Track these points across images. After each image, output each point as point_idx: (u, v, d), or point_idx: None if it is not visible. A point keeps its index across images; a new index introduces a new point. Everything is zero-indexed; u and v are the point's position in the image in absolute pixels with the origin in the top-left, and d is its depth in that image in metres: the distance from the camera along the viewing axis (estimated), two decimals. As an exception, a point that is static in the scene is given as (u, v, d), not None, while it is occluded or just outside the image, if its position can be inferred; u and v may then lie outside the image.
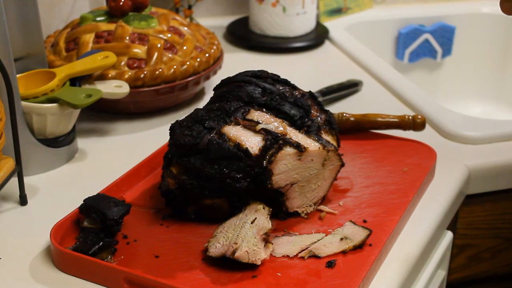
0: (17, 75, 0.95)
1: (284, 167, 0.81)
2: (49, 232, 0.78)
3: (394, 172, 0.94)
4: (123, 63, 1.09)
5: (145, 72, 1.09)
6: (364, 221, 0.83)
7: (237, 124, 0.82)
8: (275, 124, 0.83)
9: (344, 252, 0.77)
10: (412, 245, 0.83)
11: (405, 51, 1.70)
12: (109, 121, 1.13)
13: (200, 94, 1.24)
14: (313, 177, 0.84)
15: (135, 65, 1.10)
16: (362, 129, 1.04)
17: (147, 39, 1.12)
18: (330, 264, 0.76)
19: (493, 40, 1.73)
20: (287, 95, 0.87)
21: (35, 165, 0.96)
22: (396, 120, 1.03)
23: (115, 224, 0.79)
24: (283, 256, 0.77)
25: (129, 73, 1.08)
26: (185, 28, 1.19)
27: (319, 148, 0.83)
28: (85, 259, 0.75)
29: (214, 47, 1.19)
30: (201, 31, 1.25)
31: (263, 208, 0.79)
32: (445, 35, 1.72)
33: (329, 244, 0.78)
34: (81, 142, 1.06)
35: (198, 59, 1.14)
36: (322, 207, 0.87)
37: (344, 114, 1.04)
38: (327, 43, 1.53)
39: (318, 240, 0.79)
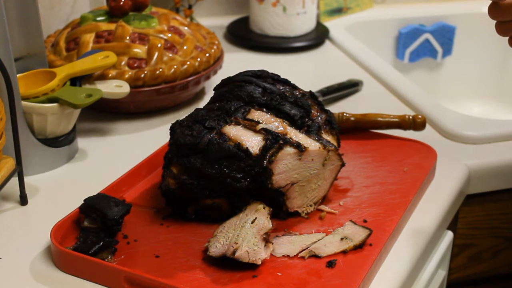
0: (18, 75, 0.95)
1: (285, 166, 0.81)
2: (49, 232, 0.78)
3: (395, 172, 0.94)
4: (123, 63, 1.09)
5: (145, 72, 1.09)
6: (365, 221, 0.83)
7: (238, 124, 0.82)
8: (276, 124, 0.83)
9: (344, 252, 0.77)
10: (412, 245, 0.83)
11: (405, 51, 1.70)
12: (109, 121, 1.13)
13: (201, 94, 1.24)
14: (314, 176, 0.84)
15: (135, 65, 1.10)
16: (362, 129, 1.04)
17: (147, 39, 1.12)
18: (331, 264, 0.76)
19: (493, 40, 1.72)
20: (288, 94, 0.87)
21: (35, 165, 0.96)
22: (397, 120, 1.03)
23: (115, 224, 0.79)
24: (283, 256, 0.77)
25: (130, 73, 1.08)
26: (186, 28, 1.19)
27: (320, 148, 0.83)
28: (85, 259, 0.75)
29: (215, 47, 1.19)
30: (201, 31, 1.25)
31: (264, 208, 0.79)
32: (445, 35, 1.72)
33: (329, 244, 0.78)
34: (81, 142, 1.06)
35: (199, 59, 1.14)
36: (322, 207, 0.87)
37: (345, 114, 1.04)
38: (327, 43, 1.53)
39: (319, 240, 0.79)
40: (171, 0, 1.53)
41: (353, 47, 1.47)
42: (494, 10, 0.71)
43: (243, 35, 1.52)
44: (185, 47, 1.15)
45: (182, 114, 1.15)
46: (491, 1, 0.71)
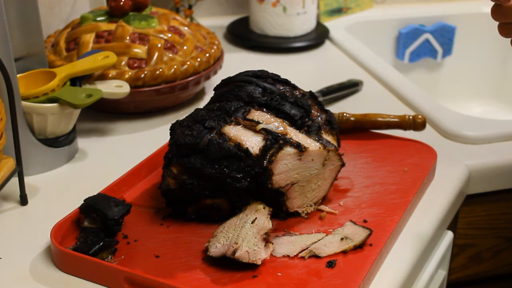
0: (18, 75, 0.95)
1: (285, 167, 0.81)
2: (50, 232, 0.78)
3: (395, 172, 0.94)
4: (123, 63, 1.09)
5: (145, 72, 1.09)
6: (365, 221, 0.83)
7: (238, 124, 0.82)
8: (276, 124, 0.83)
9: (344, 252, 0.77)
10: (412, 245, 0.83)
11: (405, 51, 1.70)
12: (109, 121, 1.13)
13: (201, 94, 1.24)
14: (314, 177, 0.84)
15: (135, 65, 1.10)
16: (362, 129, 1.04)
17: (147, 39, 1.12)
18: (331, 264, 0.76)
19: (493, 40, 1.72)
20: (288, 95, 0.87)
21: (35, 165, 0.96)
22: (397, 120, 1.03)
23: (115, 224, 0.79)
24: (283, 256, 0.77)
25: (130, 73, 1.08)
26: (186, 28, 1.19)
27: (320, 148, 0.83)
28: (85, 259, 0.75)
29: (215, 47, 1.19)
30: (201, 31, 1.25)
31: (264, 208, 0.79)
32: (445, 35, 1.72)
33: (329, 244, 0.78)
34: (81, 142, 1.06)
35: (199, 59, 1.14)
36: (322, 207, 0.87)
37: (345, 114, 1.04)
38: (327, 43, 1.53)
39: (319, 240, 0.79)
40: (171, 0, 1.53)
41: (353, 47, 1.47)
42: (497, 12, 0.72)
43: (243, 35, 1.52)
44: (185, 47, 1.15)
45: (182, 114, 1.15)
46: (494, 3, 0.71)
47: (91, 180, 0.95)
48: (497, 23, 0.73)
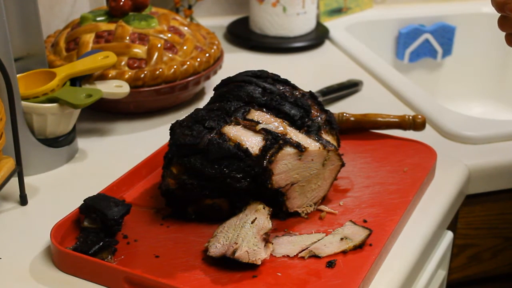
0: (17, 75, 0.95)
1: (284, 167, 0.81)
2: (49, 232, 0.78)
3: (394, 172, 0.94)
4: (123, 63, 1.09)
5: (145, 72, 1.09)
6: (364, 221, 0.83)
7: (237, 124, 0.82)
8: (275, 124, 0.83)
9: (344, 252, 0.77)
10: (412, 245, 0.83)
11: (405, 51, 1.70)
12: (109, 121, 1.13)
13: (200, 94, 1.24)
14: (313, 177, 0.84)
15: (135, 65, 1.10)
16: (362, 129, 1.04)
17: (147, 39, 1.12)
18: (330, 264, 0.76)
19: (493, 40, 1.73)
20: (287, 95, 0.87)
21: (35, 165, 0.96)
22: (396, 120, 1.03)
23: (115, 224, 0.79)
24: (283, 256, 0.77)
25: (129, 73, 1.08)
26: (185, 28, 1.19)
27: (319, 148, 0.83)
28: (85, 259, 0.75)
29: (214, 47, 1.19)
30: (201, 31, 1.25)
31: (263, 208, 0.79)
32: (445, 35, 1.72)
33: (329, 244, 0.78)
34: (81, 142, 1.06)
35: (198, 59, 1.14)
36: (322, 207, 0.87)
37: (344, 114, 1.04)
38: (327, 43, 1.53)
39: (318, 240, 0.79)
40: (171, 0, 1.53)
41: (353, 47, 1.47)
42: (504, 22, 0.73)
43: (243, 35, 1.52)
44: (185, 47, 1.15)
45: (182, 114, 1.15)
46: (500, 14, 0.72)
47: (91, 180, 0.95)
48: (497, 23, 0.73)
